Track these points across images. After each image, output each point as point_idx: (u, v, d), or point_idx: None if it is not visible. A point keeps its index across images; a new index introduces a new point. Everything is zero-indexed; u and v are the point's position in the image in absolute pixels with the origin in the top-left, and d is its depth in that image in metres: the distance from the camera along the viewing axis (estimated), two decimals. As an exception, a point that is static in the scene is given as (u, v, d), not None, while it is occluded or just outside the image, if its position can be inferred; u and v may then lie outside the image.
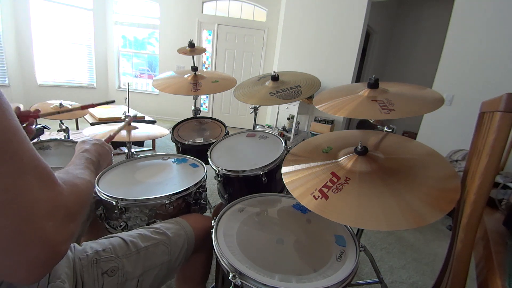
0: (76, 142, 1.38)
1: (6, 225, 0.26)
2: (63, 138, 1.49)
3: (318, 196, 0.71)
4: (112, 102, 1.03)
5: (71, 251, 0.60)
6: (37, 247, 0.28)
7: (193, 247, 0.81)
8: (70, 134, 1.57)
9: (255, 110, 1.48)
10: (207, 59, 4.94)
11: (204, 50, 1.84)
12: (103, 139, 0.75)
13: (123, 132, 1.34)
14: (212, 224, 0.77)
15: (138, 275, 0.65)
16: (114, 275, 0.61)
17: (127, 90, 1.72)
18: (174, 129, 1.58)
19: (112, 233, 0.91)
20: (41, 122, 1.35)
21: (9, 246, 0.27)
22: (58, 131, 1.65)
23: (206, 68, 4.94)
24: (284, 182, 0.82)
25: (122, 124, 1.11)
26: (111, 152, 0.76)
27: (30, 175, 0.29)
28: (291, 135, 3.86)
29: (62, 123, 1.59)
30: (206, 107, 5.10)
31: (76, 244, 0.63)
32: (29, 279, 0.29)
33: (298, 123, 3.94)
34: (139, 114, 3.15)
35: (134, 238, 0.70)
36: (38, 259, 0.29)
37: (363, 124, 4.49)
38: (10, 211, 0.26)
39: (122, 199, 0.86)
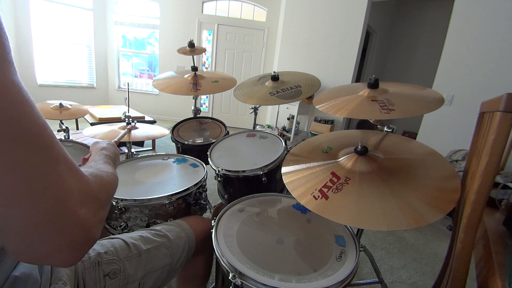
0: (76, 142, 1.39)
1: (47, 210, 0.28)
2: (63, 138, 1.49)
3: (318, 196, 0.71)
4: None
5: None
6: (74, 231, 0.31)
7: (194, 249, 0.81)
8: (70, 134, 1.58)
9: (255, 110, 1.48)
10: (207, 59, 4.94)
11: (204, 50, 1.84)
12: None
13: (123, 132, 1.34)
14: (212, 224, 0.77)
15: (140, 278, 0.65)
16: (115, 277, 0.61)
17: (127, 90, 1.72)
18: (174, 129, 1.58)
19: (112, 233, 0.92)
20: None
21: (50, 231, 0.29)
22: (58, 131, 1.65)
23: (206, 68, 4.94)
24: (284, 182, 0.82)
25: (122, 134, 1.12)
26: (119, 155, 0.77)
27: (63, 165, 0.31)
28: (291, 135, 3.86)
29: (62, 123, 1.59)
30: (206, 107, 5.10)
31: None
32: (69, 261, 0.32)
33: (298, 123, 3.94)
34: (139, 114, 3.16)
35: (135, 240, 0.70)
36: (75, 242, 0.31)
37: (363, 124, 4.48)
38: (50, 197, 0.28)
39: (122, 199, 0.86)
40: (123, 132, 1.10)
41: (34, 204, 0.27)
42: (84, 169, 0.40)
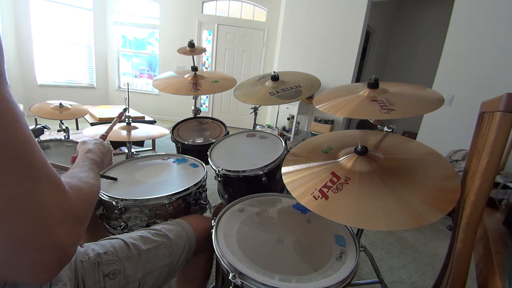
0: (76, 142, 1.39)
1: (22, 230, 0.27)
2: (63, 138, 1.49)
3: (318, 196, 0.71)
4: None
5: None
6: (50, 250, 0.30)
7: (194, 249, 0.80)
8: (70, 134, 1.57)
9: (255, 110, 1.48)
10: (207, 59, 4.94)
11: (204, 50, 1.84)
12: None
13: (123, 132, 1.34)
14: (212, 224, 0.77)
15: (140, 278, 0.65)
16: (115, 278, 0.61)
17: (127, 90, 1.72)
18: (174, 129, 1.58)
19: (112, 233, 0.92)
20: (41, 122, 1.35)
21: (25, 250, 0.28)
22: (58, 131, 1.65)
23: (206, 68, 4.94)
24: (284, 182, 0.82)
25: (113, 121, 1.09)
26: (111, 151, 0.76)
27: (44, 183, 0.30)
28: (291, 135, 3.86)
29: (62, 123, 1.59)
30: (206, 107, 5.10)
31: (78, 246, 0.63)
32: (41, 280, 0.31)
33: (298, 123, 3.94)
34: (139, 114, 3.16)
35: (135, 240, 0.69)
36: (50, 261, 0.30)
37: (363, 124, 4.49)
38: (27, 216, 0.28)
39: (122, 199, 0.86)
40: (112, 121, 1.07)
41: (13, 223, 0.27)
42: (66, 180, 0.39)
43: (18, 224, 0.27)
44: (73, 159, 0.70)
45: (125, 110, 1.24)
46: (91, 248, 0.63)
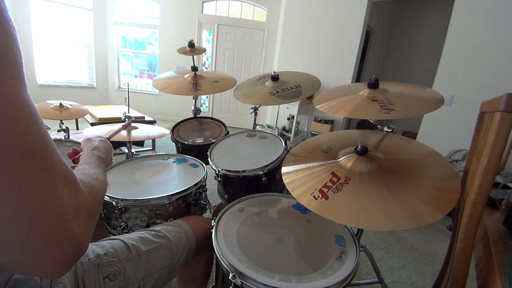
0: (76, 142, 1.39)
1: (42, 226, 0.29)
2: (63, 138, 1.49)
3: (318, 196, 0.71)
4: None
5: None
6: (67, 245, 0.32)
7: (194, 250, 0.80)
8: (70, 134, 1.58)
9: (255, 110, 1.48)
10: (207, 59, 4.94)
11: (204, 50, 1.84)
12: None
13: (123, 132, 1.34)
14: (212, 224, 0.77)
15: (139, 279, 0.65)
16: (115, 279, 0.61)
17: (127, 90, 1.72)
18: (174, 129, 1.58)
19: (112, 233, 0.92)
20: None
21: (44, 245, 0.30)
22: (58, 131, 1.65)
23: (206, 68, 4.94)
24: (284, 182, 0.82)
25: (120, 125, 1.10)
26: (112, 150, 0.76)
27: (61, 181, 0.32)
28: (291, 135, 3.86)
29: (62, 123, 1.59)
30: (206, 107, 5.10)
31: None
32: (58, 273, 0.33)
33: (298, 123, 3.94)
34: (139, 114, 3.15)
35: (135, 241, 0.69)
36: (67, 255, 0.33)
37: (363, 124, 4.48)
38: (46, 213, 0.29)
39: (122, 199, 0.86)
40: (116, 128, 1.08)
41: (33, 219, 0.28)
42: (79, 177, 0.40)
43: (38, 221, 0.29)
44: (69, 155, 0.71)
45: (130, 120, 1.25)
46: (91, 249, 0.63)
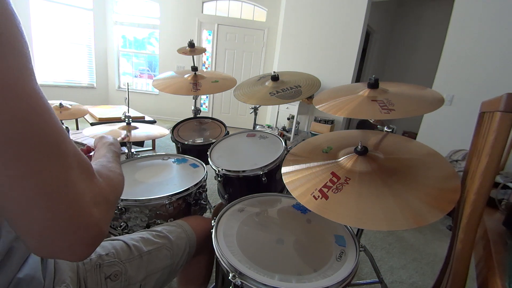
0: (77, 142, 1.39)
1: (62, 211, 0.30)
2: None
3: (318, 196, 0.71)
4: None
5: None
6: (88, 229, 0.33)
7: (195, 250, 0.80)
8: (70, 134, 1.58)
9: (255, 110, 1.48)
10: (207, 59, 4.94)
11: (204, 50, 1.84)
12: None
13: (123, 132, 1.34)
14: (212, 224, 0.77)
15: (141, 280, 0.65)
16: (117, 279, 0.61)
17: (127, 90, 1.72)
18: (174, 129, 1.58)
19: (112, 234, 0.92)
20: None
21: (66, 229, 0.31)
22: (58, 131, 1.65)
23: (206, 68, 4.94)
24: (284, 182, 0.82)
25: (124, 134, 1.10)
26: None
27: (76, 169, 0.33)
28: (291, 135, 3.86)
29: (62, 123, 1.59)
30: (206, 107, 5.10)
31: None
32: (81, 256, 0.34)
33: (298, 123, 3.94)
34: (139, 114, 3.15)
35: (136, 242, 0.70)
36: (89, 239, 0.34)
37: (363, 124, 4.48)
38: (64, 199, 0.30)
39: (122, 199, 0.86)
40: (123, 134, 1.09)
41: (51, 205, 0.30)
42: (96, 168, 0.42)
43: (56, 207, 0.30)
44: (83, 151, 0.69)
45: (126, 136, 1.25)
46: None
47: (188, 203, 0.98)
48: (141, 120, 3.02)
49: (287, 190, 0.79)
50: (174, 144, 1.54)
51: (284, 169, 0.88)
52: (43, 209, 0.29)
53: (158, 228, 0.79)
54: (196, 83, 1.55)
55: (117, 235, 0.77)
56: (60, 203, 0.30)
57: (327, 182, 0.75)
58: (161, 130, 1.46)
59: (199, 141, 1.51)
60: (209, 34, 4.75)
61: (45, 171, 0.29)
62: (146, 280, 0.66)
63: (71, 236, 0.32)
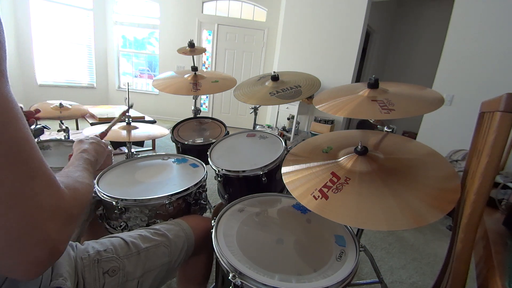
0: (66, 140, 1.39)
1: (13, 226, 0.28)
2: (63, 138, 1.49)
3: (318, 196, 0.71)
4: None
5: (73, 250, 0.61)
6: (40, 247, 0.31)
7: (193, 249, 0.81)
8: (70, 134, 1.57)
9: (255, 110, 1.48)
10: (207, 59, 4.94)
11: (204, 50, 1.84)
12: (97, 135, 0.75)
13: (123, 132, 1.34)
14: (212, 224, 0.77)
15: (139, 276, 0.65)
16: (115, 275, 0.61)
17: (127, 90, 1.72)
18: (174, 129, 1.58)
19: (112, 233, 0.92)
20: (41, 122, 1.35)
21: (15, 246, 0.29)
22: (58, 131, 1.65)
23: (206, 68, 4.94)
24: (284, 182, 0.82)
25: (115, 119, 1.09)
26: (108, 148, 0.76)
27: (38, 180, 0.31)
28: (291, 135, 3.86)
29: (62, 123, 1.59)
30: (206, 107, 5.10)
31: (78, 243, 0.64)
32: (30, 275, 0.32)
33: (298, 123, 3.94)
34: (139, 114, 3.15)
35: (134, 239, 0.70)
36: (40, 257, 0.31)
37: (363, 124, 4.48)
38: (18, 213, 0.28)
39: (122, 199, 0.86)
40: (115, 119, 1.08)
41: (7, 218, 0.27)
42: (61, 179, 0.40)
43: (12, 219, 0.28)
44: (70, 157, 0.70)
45: (129, 107, 1.25)
46: (91, 246, 0.64)
47: (188, 203, 0.98)
48: (141, 120, 3.02)
49: (287, 190, 0.79)
50: (174, 144, 1.54)
51: (284, 169, 0.88)
52: None
53: (157, 226, 0.79)
54: (196, 83, 1.55)
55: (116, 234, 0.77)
56: (15, 215, 0.28)
57: (327, 182, 0.75)
58: (161, 130, 1.46)
59: (199, 141, 1.51)
60: (209, 34, 4.75)
61: (7, 178, 0.27)
62: (144, 277, 0.66)
63: (20, 252, 0.29)
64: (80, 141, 0.70)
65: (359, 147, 0.80)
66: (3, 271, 0.31)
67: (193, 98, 1.76)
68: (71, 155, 0.71)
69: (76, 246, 0.63)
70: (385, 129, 0.95)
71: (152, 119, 3.12)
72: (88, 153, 0.64)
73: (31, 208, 0.29)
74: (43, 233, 0.31)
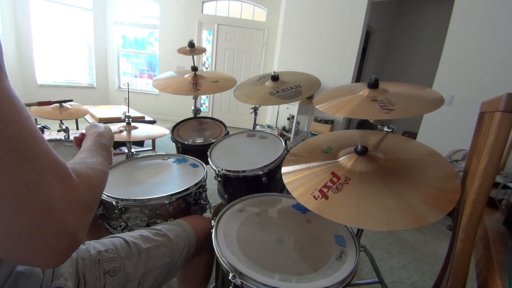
0: (66, 140, 1.38)
1: (30, 218, 0.29)
2: (63, 138, 1.49)
3: (318, 196, 0.71)
4: (70, 101, 1.04)
5: None
6: (58, 237, 0.32)
7: (194, 249, 0.81)
8: (70, 134, 1.57)
9: (255, 110, 1.48)
10: (207, 59, 4.94)
11: (204, 50, 1.84)
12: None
13: (123, 132, 1.34)
14: (212, 224, 0.77)
15: (139, 276, 0.65)
16: (116, 275, 0.61)
17: (127, 90, 1.72)
18: (174, 129, 1.58)
19: (112, 233, 0.92)
20: (41, 122, 1.35)
21: (34, 237, 0.30)
22: (58, 131, 1.65)
23: (206, 68, 4.94)
24: (284, 182, 0.82)
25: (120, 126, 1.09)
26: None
27: (48, 173, 0.31)
28: (291, 135, 3.86)
29: (62, 123, 1.59)
30: (206, 107, 5.10)
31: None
32: (53, 263, 0.33)
33: (298, 123, 3.94)
34: (139, 114, 3.15)
35: (136, 239, 0.70)
36: (60, 247, 0.32)
37: (363, 124, 4.48)
38: (32, 206, 0.29)
39: (122, 199, 0.86)
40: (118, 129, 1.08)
41: (18, 211, 0.28)
42: (75, 166, 0.40)
43: (27, 213, 0.28)
44: (76, 140, 0.69)
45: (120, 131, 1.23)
46: (92, 246, 0.64)
47: (188, 203, 0.98)
48: (141, 120, 3.03)
49: (287, 190, 0.79)
50: (174, 144, 1.54)
51: (284, 169, 0.88)
52: (10, 215, 0.28)
53: (158, 226, 0.79)
54: (196, 83, 1.55)
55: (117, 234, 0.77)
56: (28, 209, 0.28)
57: (327, 182, 0.75)
58: (161, 130, 1.46)
59: (199, 141, 1.51)
60: (209, 34, 4.75)
61: (11, 175, 0.27)
62: (145, 277, 0.66)
63: (40, 244, 0.30)
64: (94, 125, 0.68)
65: (359, 147, 0.80)
66: (27, 260, 0.32)
67: (193, 98, 1.76)
68: (78, 138, 0.70)
69: None
70: (385, 129, 0.95)
71: (152, 119, 3.13)
72: (104, 138, 0.63)
73: (45, 200, 0.30)
74: (59, 225, 0.31)
